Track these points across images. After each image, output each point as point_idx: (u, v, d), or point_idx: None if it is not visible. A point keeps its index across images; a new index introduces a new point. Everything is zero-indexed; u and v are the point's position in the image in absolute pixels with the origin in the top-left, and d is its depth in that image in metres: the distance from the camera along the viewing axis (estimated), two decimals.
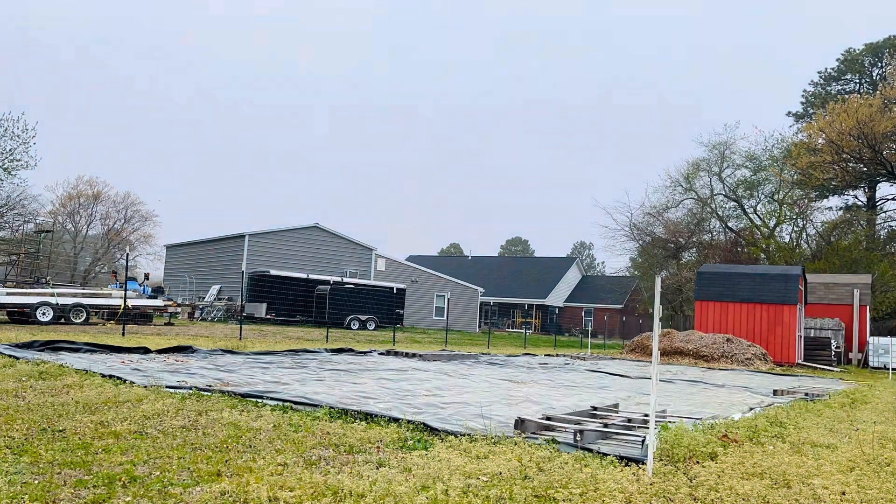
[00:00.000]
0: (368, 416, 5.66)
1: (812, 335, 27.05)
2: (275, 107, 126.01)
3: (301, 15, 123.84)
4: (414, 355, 14.97)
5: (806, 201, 44.44)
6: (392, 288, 34.22)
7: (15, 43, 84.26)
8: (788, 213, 45.91)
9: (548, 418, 5.87)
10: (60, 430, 4.51)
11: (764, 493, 3.86)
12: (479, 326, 46.87)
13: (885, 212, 44.81)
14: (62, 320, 20.06)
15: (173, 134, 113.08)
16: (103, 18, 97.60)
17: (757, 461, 4.62)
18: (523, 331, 47.20)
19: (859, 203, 44.89)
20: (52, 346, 10.40)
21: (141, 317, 22.76)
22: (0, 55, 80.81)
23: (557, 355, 21.09)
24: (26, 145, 32.28)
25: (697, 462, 4.52)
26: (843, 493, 3.93)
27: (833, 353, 25.04)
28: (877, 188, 44.25)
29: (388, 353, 15.43)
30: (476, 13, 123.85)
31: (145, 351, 11.06)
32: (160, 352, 11.34)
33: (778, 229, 46.77)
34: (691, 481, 4.03)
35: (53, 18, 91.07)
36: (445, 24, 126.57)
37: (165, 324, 23.51)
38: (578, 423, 5.61)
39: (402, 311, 34.81)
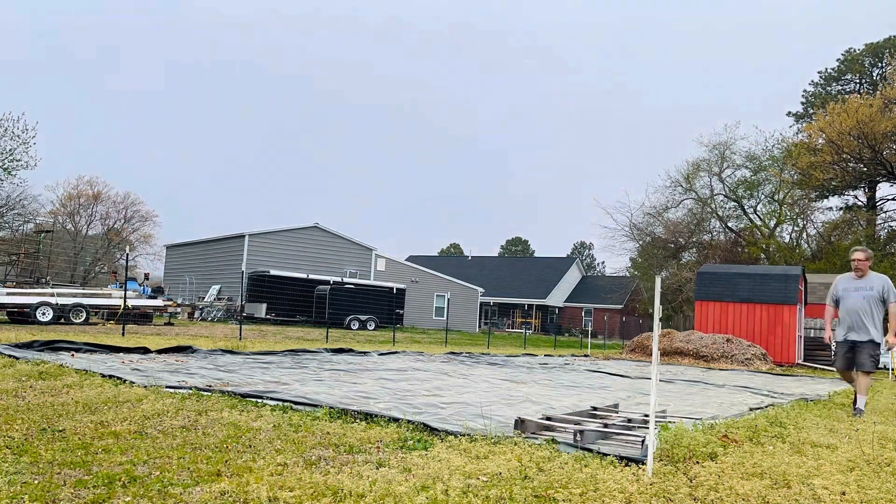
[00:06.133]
0: (368, 416, 5.66)
1: (812, 335, 27.03)
2: (275, 106, 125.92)
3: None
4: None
5: (806, 201, 44.45)
6: (392, 288, 34.21)
7: (18, 44, 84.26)
8: (788, 213, 45.92)
9: (548, 418, 5.87)
10: (60, 430, 4.51)
11: (764, 493, 3.86)
12: (479, 326, 46.86)
13: (885, 212, 44.79)
14: (62, 320, 20.07)
15: (173, 134, 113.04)
16: (101, 19, 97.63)
17: (757, 461, 4.62)
18: (523, 331, 47.19)
19: (859, 203, 44.88)
20: (51, 346, 10.40)
21: (141, 317, 22.78)
22: (4, 57, 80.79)
23: (558, 356, 21.09)
24: (26, 145, 32.34)
25: (697, 462, 4.52)
26: (843, 493, 3.93)
27: (833, 353, 24.99)
28: (877, 188, 44.24)
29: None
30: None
31: (145, 351, 11.05)
32: (160, 352, 11.33)
33: (778, 229, 46.80)
34: (691, 481, 4.03)
35: (55, 18, 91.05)
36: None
37: (165, 324, 23.53)
38: (578, 423, 5.60)
39: (402, 312, 34.81)
